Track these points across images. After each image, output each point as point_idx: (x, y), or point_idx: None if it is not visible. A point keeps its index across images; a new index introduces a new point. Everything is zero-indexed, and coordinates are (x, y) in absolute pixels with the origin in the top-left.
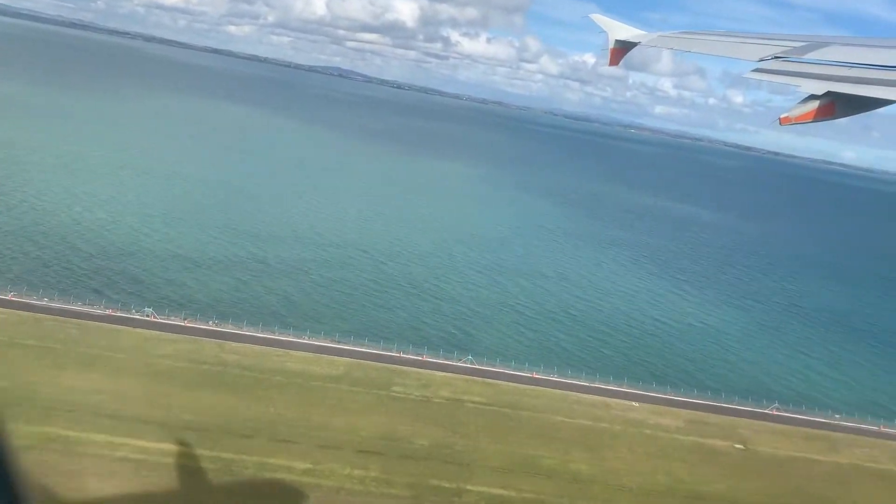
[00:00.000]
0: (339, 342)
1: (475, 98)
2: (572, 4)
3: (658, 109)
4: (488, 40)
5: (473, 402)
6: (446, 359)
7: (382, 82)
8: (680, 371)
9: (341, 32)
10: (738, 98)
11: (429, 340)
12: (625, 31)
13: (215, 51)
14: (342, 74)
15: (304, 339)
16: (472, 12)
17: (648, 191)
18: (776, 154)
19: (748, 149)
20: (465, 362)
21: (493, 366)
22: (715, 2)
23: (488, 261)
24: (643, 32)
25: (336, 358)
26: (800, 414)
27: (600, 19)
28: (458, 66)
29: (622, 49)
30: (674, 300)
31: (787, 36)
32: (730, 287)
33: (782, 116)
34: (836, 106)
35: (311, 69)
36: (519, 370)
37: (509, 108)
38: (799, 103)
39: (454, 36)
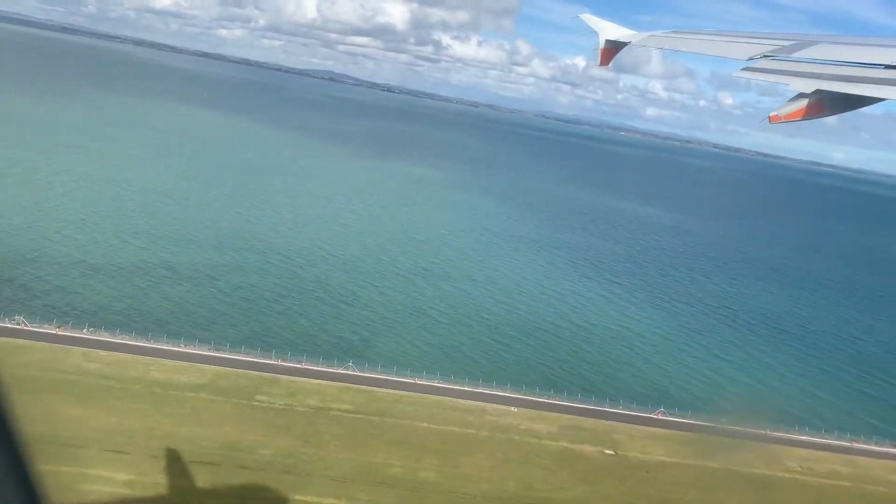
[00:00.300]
0: (215, 350)
1: (466, 101)
2: (562, 7)
3: (649, 111)
4: (479, 43)
5: (340, 410)
6: (327, 366)
7: (373, 85)
8: (577, 375)
9: (332, 36)
10: (727, 100)
11: (320, 347)
12: (615, 31)
13: (206, 54)
14: (333, 78)
15: (179, 346)
16: (462, 16)
17: (617, 193)
18: (765, 155)
19: (737, 150)
20: (345, 369)
21: (375, 372)
22: (704, 3)
23: (418, 265)
24: (633, 32)
25: (206, 366)
26: (685, 418)
27: (590, 19)
28: (450, 69)
29: (612, 49)
30: (600, 303)
31: (775, 35)
32: (666, 290)
33: (772, 115)
34: (825, 104)
35: (301, 73)
36: (402, 376)
37: (501, 111)
38: (788, 102)
39: (445, 39)
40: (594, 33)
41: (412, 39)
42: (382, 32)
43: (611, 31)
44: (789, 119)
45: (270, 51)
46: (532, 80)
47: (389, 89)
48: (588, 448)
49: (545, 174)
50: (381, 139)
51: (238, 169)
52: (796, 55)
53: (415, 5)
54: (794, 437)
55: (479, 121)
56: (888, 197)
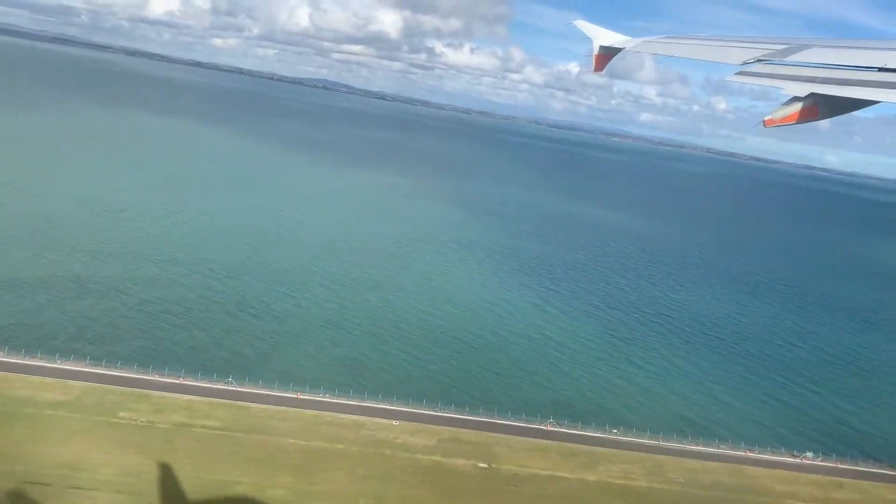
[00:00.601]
0: (91, 366)
1: (459, 108)
2: (555, 14)
3: (643, 117)
4: (472, 51)
5: (205, 427)
6: (206, 381)
7: (366, 93)
8: (478, 387)
9: (326, 44)
10: (721, 104)
11: (211, 362)
12: (609, 37)
13: (199, 64)
14: (327, 87)
15: (55, 363)
16: (455, 23)
17: (590, 200)
18: (758, 160)
19: (731, 155)
20: (225, 384)
21: (257, 387)
22: (697, 9)
23: (349, 275)
24: (627, 38)
25: (76, 383)
26: (577, 429)
27: (584, 26)
28: (444, 76)
29: (607, 55)
30: (529, 312)
31: (769, 39)
32: (605, 297)
33: (766, 118)
34: (819, 107)
35: (294, 81)
36: (284, 391)
37: (494, 117)
38: (782, 105)
39: (438, 47)
40: (587, 39)
41: (405, 47)
42: (375, 40)
43: (605, 37)
44: (784, 123)
45: (265, 59)
46: (526, 86)
47: (382, 97)
48: (461, 462)
49: (520, 181)
50: (360, 147)
51: (192, 180)
52: (790, 59)
53: (407, 13)
54: (688, 447)
55: (469, 128)
56: (872, 201)
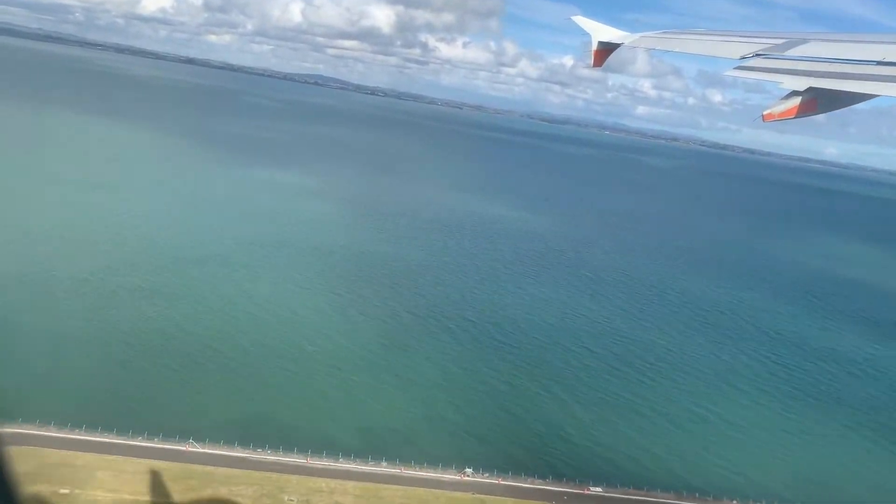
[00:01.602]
0: None
1: (452, 102)
2: (549, 6)
3: (640, 110)
4: (465, 45)
5: None
6: None
7: (359, 89)
8: (141, 406)
9: (320, 40)
10: (716, 97)
11: None
12: (607, 33)
13: (192, 61)
14: (318, 82)
15: None
16: (448, 17)
17: (509, 199)
18: (752, 152)
19: (723, 147)
20: None
21: None
22: (695, 2)
23: (133, 285)
24: (626, 33)
25: None
26: (221, 450)
27: (582, 21)
28: (440, 71)
29: (605, 50)
30: (305, 321)
31: (767, 33)
32: (418, 304)
33: (765, 113)
34: (819, 101)
35: (286, 77)
36: None
37: (488, 112)
38: (781, 100)
39: (431, 41)
40: (583, 33)
41: (399, 42)
42: (369, 35)
43: (603, 32)
44: (783, 117)
45: (260, 56)
46: (521, 80)
47: (374, 92)
48: (46, 489)
49: (451, 180)
50: (299, 147)
51: (59, 185)
52: (788, 53)
53: (400, 7)
54: (348, 466)
55: (449, 124)
56: (845, 193)
